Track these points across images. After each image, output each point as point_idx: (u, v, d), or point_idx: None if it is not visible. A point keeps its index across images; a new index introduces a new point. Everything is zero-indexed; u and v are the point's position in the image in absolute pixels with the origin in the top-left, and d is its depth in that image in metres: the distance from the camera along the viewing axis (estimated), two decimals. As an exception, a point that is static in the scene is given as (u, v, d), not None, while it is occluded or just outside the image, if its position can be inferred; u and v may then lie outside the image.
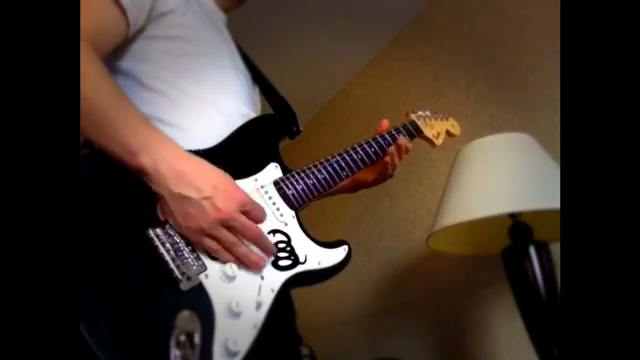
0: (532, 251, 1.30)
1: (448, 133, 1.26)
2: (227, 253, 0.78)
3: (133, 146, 0.74)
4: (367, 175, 1.12)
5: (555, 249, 1.33)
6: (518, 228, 1.34)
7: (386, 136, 1.09)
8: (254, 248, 0.80)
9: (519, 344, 1.59)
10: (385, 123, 1.12)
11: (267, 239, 0.81)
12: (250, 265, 0.79)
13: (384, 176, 1.12)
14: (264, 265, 0.81)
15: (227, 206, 0.76)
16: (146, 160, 0.74)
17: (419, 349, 2.00)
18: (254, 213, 0.80)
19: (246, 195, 0.80)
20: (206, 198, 0.75)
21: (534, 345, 1.29)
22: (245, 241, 0.79)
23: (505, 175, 1.30)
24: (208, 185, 0.76)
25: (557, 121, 1.60)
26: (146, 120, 0.78)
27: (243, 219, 0.78)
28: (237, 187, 0.80)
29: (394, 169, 1.10)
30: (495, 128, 1.75)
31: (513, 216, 1.34)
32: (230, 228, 0.77)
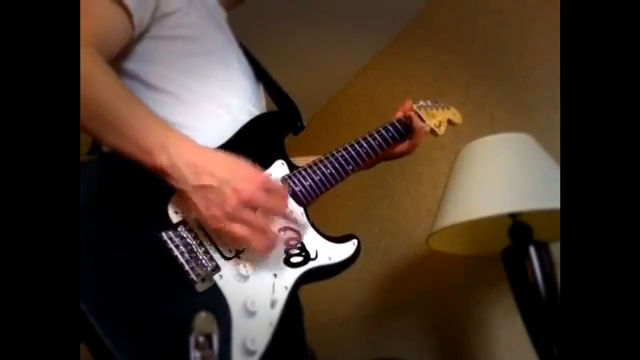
0: (532, 251, 1.30)
1: (450, 122, 1.24)
2: (258, 236, 0.77)
3: (149, 146, 0.75)
4: (393, 149, 1.12)
5: (555, 249, 1.33)
6: (518, 228, 1.34)
7: (389, 128, 1.09)
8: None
9: (519, 344, 1.59)
10: (409, 103, 1.15)
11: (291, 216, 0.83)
12: (285, 244, 0.81)
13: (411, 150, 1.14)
14: (301, 238, 0.83)
15: (247, 187, 0.75)
16: (163, 159, 0.74)
17: (419, 349, 2.00)
18: (277, 191, 0.80)
19: (265, 175, 0.80)
20: (225, 182, 0.75)
21: (534, 345, 1.29)
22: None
23: (505, 175, 1.30)
24: (226, 171, 0.76)
25: (557, 121, 1.60)
26: (158, 119, 0.79)
27: (265, 197, 0.77)
28: (255, 169, 0.80)
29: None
30: (495, 128, 1.75)
31: (513, 216, 1.34)
32: (255, 209, 0.77)
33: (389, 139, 1.08)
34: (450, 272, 1.90)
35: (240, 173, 0.77)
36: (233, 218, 0.75)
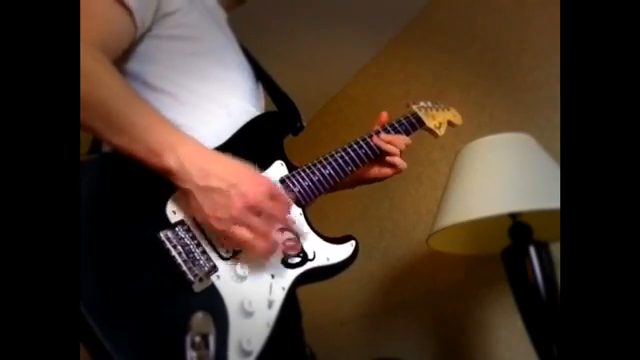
0: (532, 251, 1.30)
1: (450, 123, 1.24)
2: (260, 240, 0.77)
3: (157, 147, 0.75)
4: (367, 170, 1.08)
5: (555, 249, 1.33)
6: (518, 228, 1.34)
7: (389, 129, 1.08)
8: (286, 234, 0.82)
9: (519, 344, 1.59)
10: (384, 116, 1.10)
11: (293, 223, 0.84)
12: (286, 250, 0.81)
13: (395, 169, 1.08)
14: (300, 248, 0.83)
15: (254, 192, 0.77)
16: (171, 160, 0.75)
17: (419, 349, 2.00)
18: (280, 198, 0.81)
19: (270, 181, 0.81)
20: (233, 185, 0.76)
21: (534, 345, 1.29)
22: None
23: (505, 175, 1.30)
24: (233, 175, 0.77)
25: (557, 121, 1.60)
26: (165, 120, 0.79)
27: (270, 203, 0.78)
28: (261, 175, 0.81)
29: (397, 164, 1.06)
30: (495, 128, 1.75)
31: (513, 216, 1.34)
32: (259, 214, 0.78)
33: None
34: (450, 272, 1.90)
35: (247, 178, 0.78)
36: (237, 221, 0.76)
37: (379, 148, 1.04)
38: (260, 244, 0.78)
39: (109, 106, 0.75)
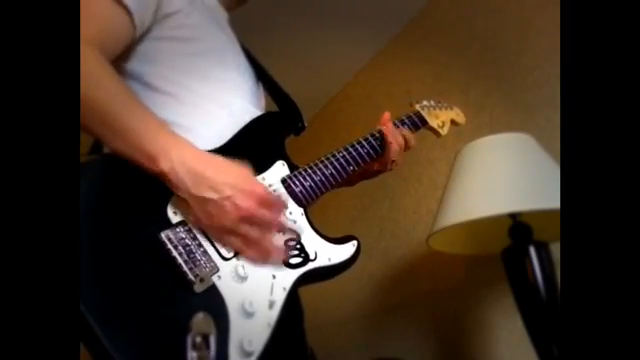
0: (532, 251, 1.30)
1: (453, 122, 1.25)
2: (251, 250, 0.79)
3: (152, 151, 0.75)
4: (369, 166, 1.08)
5: (555, 249, 1.33)
6: (518, 228, 1.34)
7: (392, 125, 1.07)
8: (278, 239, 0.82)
9: (519, 344, 1.59)
10: (387, 115, 1.10)
11: (290, 226, 0.84)
12: (273, 257, 0.81)
13: (385, 167, 1.09)
14: (287, 255, 0.83)
15: (247, 203, 0.77)
16: (165, 165, 0.75)
17: (419, 349, 2.00)
18: (274, 205, 0.81)
19: (264, 189, 0.81)
20: (226, 198, 0.76)
21: (534, 345, 1.29)
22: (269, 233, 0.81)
23: (505, 175, 1.30)
24: (227, 185, 0.76)
25: (557, 121, 1.60)
26: (162, 123, 0.79)
27: (263, 213, 0.79)
28: (255, 181, 0.81)
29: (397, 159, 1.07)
30: (495, 128, 1.75)
31: (513, 216, 1.34)
32: (253, 224, 0.78)
33: None
34: (450, 272, 1.90)
35: (240, 186, 0.77)
36: (231, 232, 0.77)
37: (386, 136, 1.04)
38: (253, 253, 0.79)
39: (106, 109, 0.75)
